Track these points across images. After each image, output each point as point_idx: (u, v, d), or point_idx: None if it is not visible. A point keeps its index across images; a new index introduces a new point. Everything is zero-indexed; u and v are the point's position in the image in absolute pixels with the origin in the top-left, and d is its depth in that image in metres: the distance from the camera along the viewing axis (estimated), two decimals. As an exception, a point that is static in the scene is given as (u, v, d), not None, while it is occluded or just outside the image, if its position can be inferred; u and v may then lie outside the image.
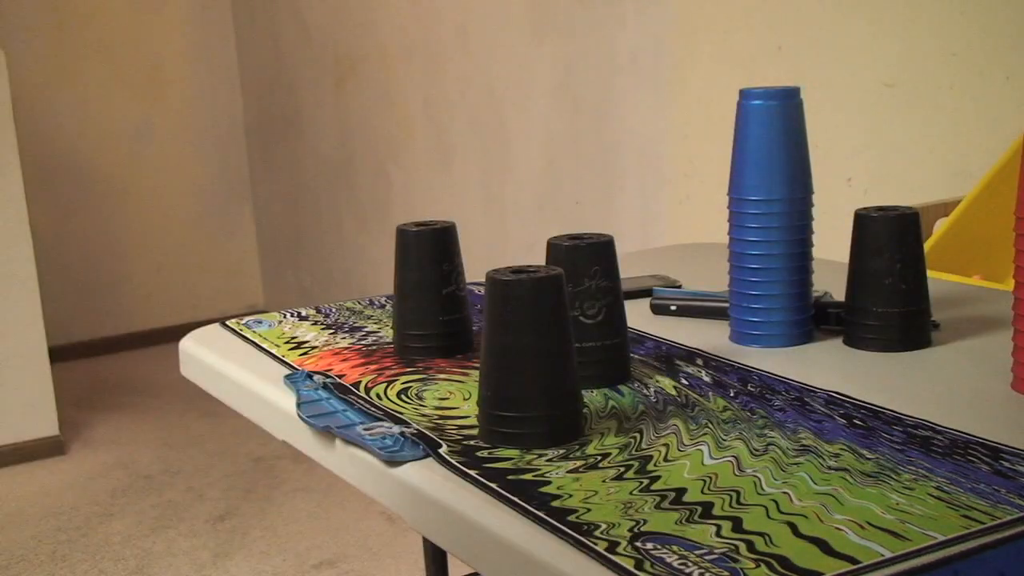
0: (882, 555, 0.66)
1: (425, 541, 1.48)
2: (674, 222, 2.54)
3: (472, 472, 0.81)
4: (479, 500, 0.77)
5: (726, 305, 1.15)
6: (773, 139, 1.08)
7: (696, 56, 2.41)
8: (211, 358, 1.16)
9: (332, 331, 1.22)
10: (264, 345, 1.16)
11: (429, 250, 1.10)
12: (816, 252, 1.13)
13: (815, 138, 1.12)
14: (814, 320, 1.12)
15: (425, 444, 0.86)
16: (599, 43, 2.66)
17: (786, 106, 1.08)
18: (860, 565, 0.65)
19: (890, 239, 1.07)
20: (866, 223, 1.08)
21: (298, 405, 0.97)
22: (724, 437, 0.86)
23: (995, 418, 0.88)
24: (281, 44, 4.18)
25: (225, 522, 2.92)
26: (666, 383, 1.00)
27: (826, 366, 1.04)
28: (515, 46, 2.96)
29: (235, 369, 1.12)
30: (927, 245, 1.53)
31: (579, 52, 2.74)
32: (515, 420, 0.85)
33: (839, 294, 1.14)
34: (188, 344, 1.23)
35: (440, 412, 0.94)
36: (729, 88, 1.19)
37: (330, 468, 0.95)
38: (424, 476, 0.83)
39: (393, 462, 0.85)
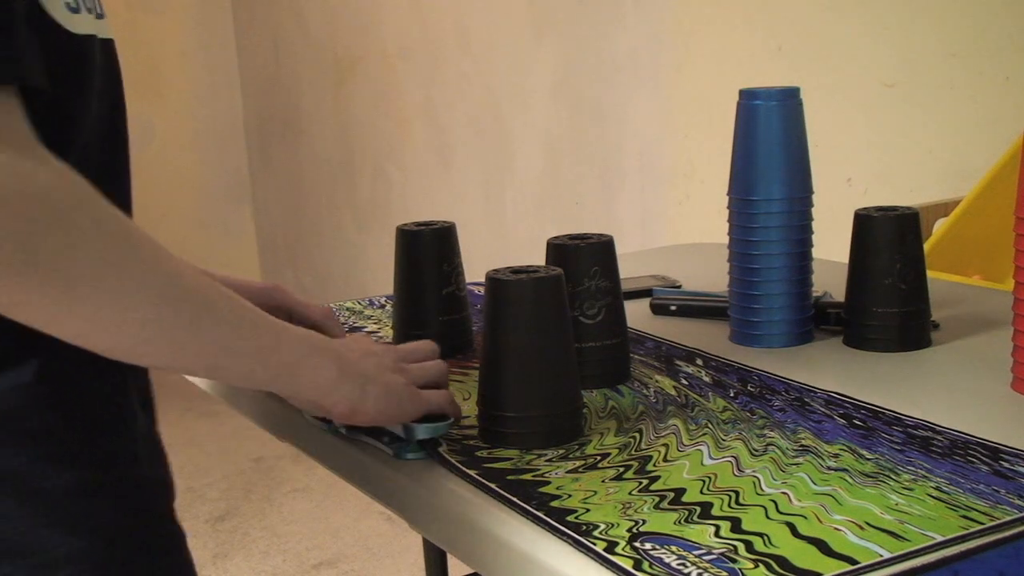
0: (881, 555, 0.66)
1: (425, 541, 1.48)
2: (674, 222, 2.54)
3: (472, 472, 0.81)
4: (479, 500, 0.77)
5: (726, 305, 1.15)
6: (773, 139, 1.08)
7: (696, 56, 2.41)
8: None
9: (332, 331, 1.22)
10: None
11: (429, 250, 1.10)
12: (816, 252, 1.13)
13: (815, 138, 1.12)
14: (814, 320, 1.12)
15: (425, 444, 0.86)
16: (599, 43, 2.66)
17: (786, 106, 1.08)
18: (859, 566, 0.65)
19: (890, 239, 1.07)
20: (866, 223, 1.08)
21: None
22: (724, 437, 0.86)
23: (995, 418, 0.88)
24: (281, 44, 4.18)
25: (225, 522, 2.92)
26: (666, 383, 1.00)
27: (826, 366, 1.04)
28: (515, 46, 2.96)
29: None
30: (927, 245, 1.53)
31: (579, 52, 2.74)
32: (515, 420, 0.85)
33: (839, 294, 1.14)
34: (188, 344, 1.23)
35: None
36: (729, 88, 1.19)
37: (330, 468, 0.95)
38: (424, 476, 0.83)
39: (398, 458, 0.85)
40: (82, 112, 0.76)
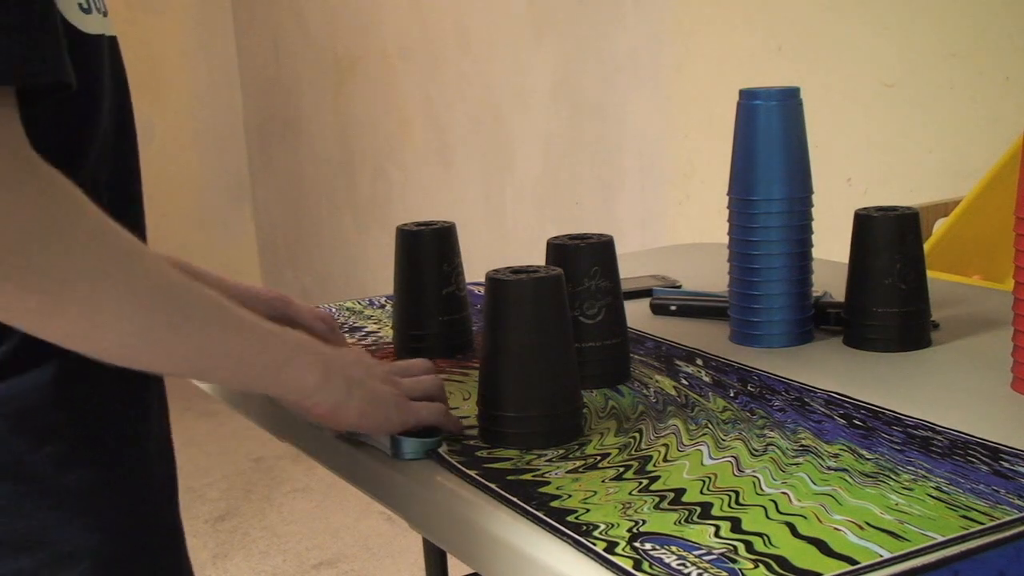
0: (881, 556, 0.66)
1: (425, 541, 1.48)
2: (674, 222, 2.54)
3: (472, 472, 0.81)
4: (479, 500, 0.77)
5: (726, 305, 1.15)
6: (773, 139, 1.08)
7: (696, 56, 2.41)
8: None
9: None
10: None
11: (429, 250, 1.10)
12: (816, 252, 1.12)
13: (815, 138, 1.12)
14: (814, 320, 1.12)
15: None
16: (599, 43, 2.66)
17: (786, 106, 1.08)
18: (859, 566, 0.65)
19: (890, 239, 1.07)
20: (866, 223, 1.08)
21: None
22: (724, 437, 0.86)
23: (994, 418, 0.88)
24: (281, 44, 4.18)
25: (225, 522, 2.92)
26: (666, 383, 1.00)
27: (826, 366, 1.04)
28: (515, 46, 2.96)
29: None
30: (927, 245, 1.53)
31: (579, 52, 2.74)
32: (515, 420, 0.85)
33: (839, 294, 1.14)
34: (188, 344, 1.22)
35: None
36: (729, 88, 1.19)
37: (330, 468, 0.95)
38: (424, 476, 0.83)
39: (397, 458, 0.85)
40: (96, 112, 0.77)
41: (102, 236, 0.68)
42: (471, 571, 0.81)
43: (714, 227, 2.05)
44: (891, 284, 1.06)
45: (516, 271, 0.87)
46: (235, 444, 3.41)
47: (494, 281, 0.86)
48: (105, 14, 0.81)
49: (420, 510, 0.83)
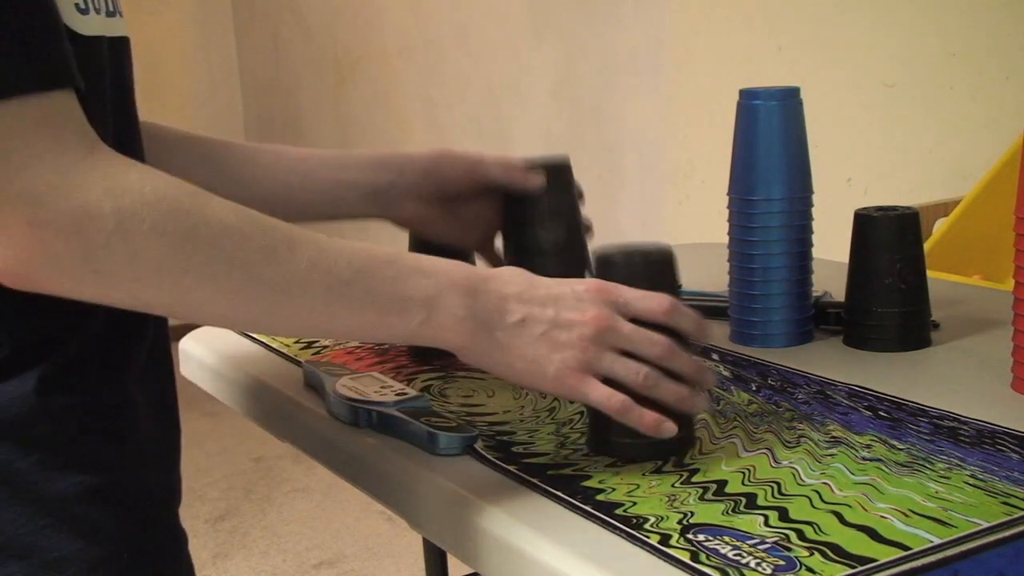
0: (931, 541, 0.67)
1: (425, 541, 1.48)
2: (674, 222, 2.54)
3: (511, 468, 0.81)
4: (479, 500, 0.77)
5: (726, 305, 1.15)
6: (773, 139, 1.08)
7: (696, 56, 2.41)
8: (211, 358, 1.16)
9: (338, 331, 1.21)
10: (274, 346, 1.15)
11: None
12: (816, 252, 1.12)
13: (815, 138, 1.12)
14: (814, 320, 1.12)
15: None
16: (599, 43, 2.67)
17: (786, 106, 1.08)
18: (912, 551, 0.66)
19: (890, 239, 1.06)
20: (866, 223, 1.08)
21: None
22: (754, 430, 0.86)
23: (995, 418, 0.88)
24: (281, 44, 4.18)
25: (225, 522, 2.92)
26: None
27: (826, 366, 1.04)
28: (515, 46, 2.96)
29: (235, 369, 1.11)
30: (927, 245, 1.53)
31: (579, 52, 2.74)
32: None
33: (839, 294, 1.14)
34: (188, 344, 1.23)
35: (467, 409, 0.94)
36: (729, 88, 1.19)
37: (330, 468, 0.95)
38: (424, 476, 0.83)
39: (433, 453, 0.84)
40: (90, 116, 0.76)
41: (176, 233, 0.70)
42: (471, 571, 0.81)
43: (714, 227, 2.04)
44: (891, 284, 1.06)
45: (623, 248, 0.84)
46: (235, 444, 3.41)
47: (600, 257, 0.83)
48: (111, 14, 0.80)
49: (420, 510, 0.83)
